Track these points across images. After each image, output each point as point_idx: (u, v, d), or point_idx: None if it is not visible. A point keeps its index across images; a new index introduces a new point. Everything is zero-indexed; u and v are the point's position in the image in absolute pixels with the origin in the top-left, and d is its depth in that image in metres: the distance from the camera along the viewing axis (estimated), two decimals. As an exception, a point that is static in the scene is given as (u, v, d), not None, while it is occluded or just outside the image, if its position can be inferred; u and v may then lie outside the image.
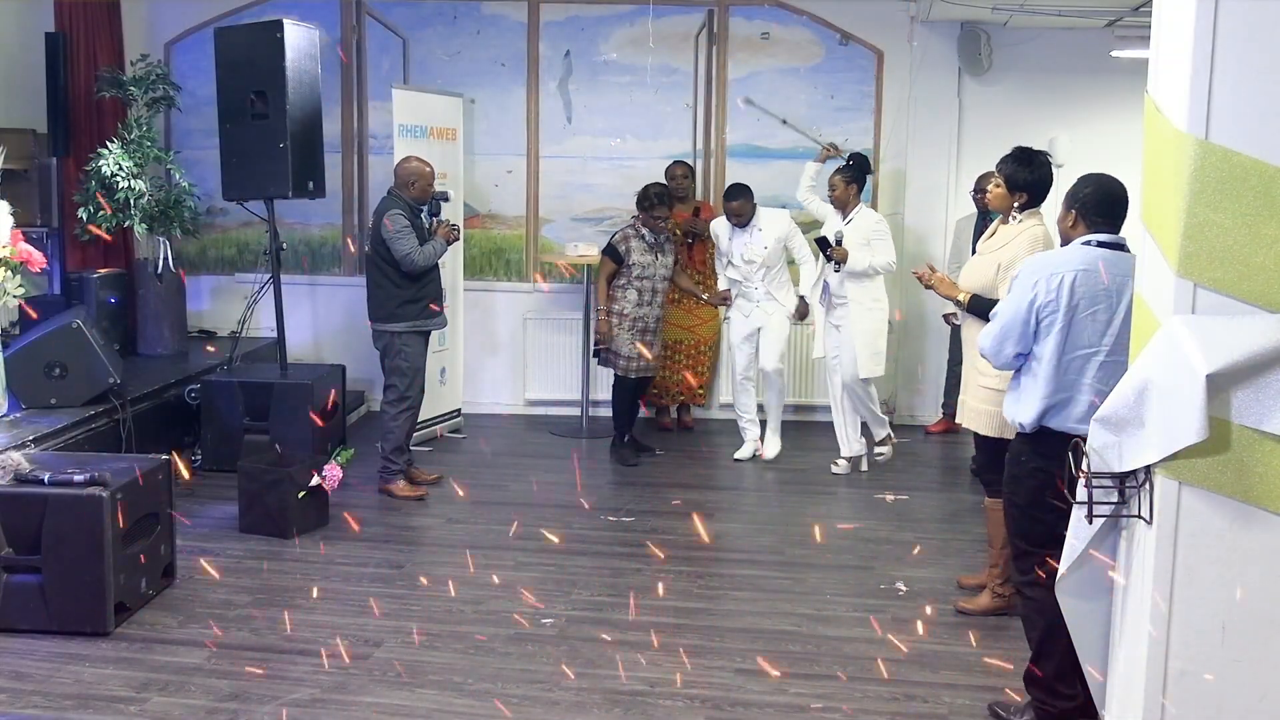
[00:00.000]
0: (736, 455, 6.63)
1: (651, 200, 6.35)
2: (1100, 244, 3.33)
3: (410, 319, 5.72)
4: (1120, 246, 3.34)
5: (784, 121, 7.34)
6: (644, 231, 6.39)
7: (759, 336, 6.53)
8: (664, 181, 6.74)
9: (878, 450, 6.54)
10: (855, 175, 6.29)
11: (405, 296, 5.70)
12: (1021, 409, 3.40)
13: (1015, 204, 4.26)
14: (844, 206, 6.22)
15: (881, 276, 6.21)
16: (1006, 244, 4.25)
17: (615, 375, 6.55)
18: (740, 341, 6.58)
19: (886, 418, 6.60)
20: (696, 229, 6.96)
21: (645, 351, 6.40)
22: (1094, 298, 3.26)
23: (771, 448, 6.63)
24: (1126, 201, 3.39)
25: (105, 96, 6.93)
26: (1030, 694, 3.50)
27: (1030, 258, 3.50)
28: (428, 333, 5.88)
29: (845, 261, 6.03)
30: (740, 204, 6.39)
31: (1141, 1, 5.95)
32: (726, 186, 6.72)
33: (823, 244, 6.10)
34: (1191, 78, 2.42)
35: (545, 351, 7.64)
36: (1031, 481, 3.39)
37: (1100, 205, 3.38)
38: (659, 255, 6.41)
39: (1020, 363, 3.42)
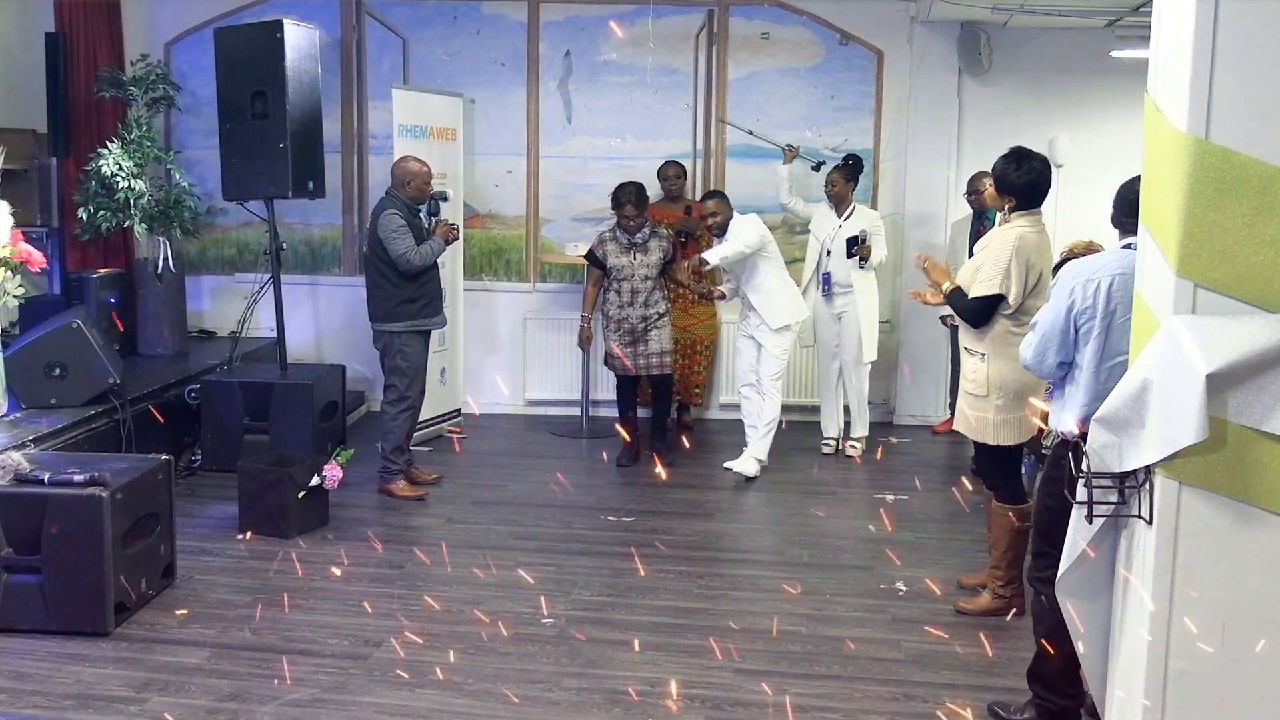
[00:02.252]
0: (732, 466, 6.31)
1: (618, 200, 6.27)
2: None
3: (408, 318, 5.72)
4: None
5: (750, 132, 7.40)
6: (619, 233, 6.30)
7: (757, 347, 6.35)
8: (636, 181, 6.43)
9: (851, 443, 6.79)
10: (853, 173, 6.71)
11: (403, 296, 5.69)
12: (1065, 418, 3.35)
13: (1005, 206, 4.27)
14: (840, 203, 6.61)
15: (878, 266, 6.67)
16: (985, 245, 4.27)
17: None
18: (741, 345, 6.42)
19: (868, 418, 6.85)
20: (688, 228, 6.95)
21: (617, 350, 6.27)
22: (1130, 302, 3.15)
23: (748, 465, 6.24)
24: None
25: (105, 96, 6.93)
26: (1033, 690, 3.51)
27: (1070, 263, 3.43)
28: (427, 332, 5.87)
29: (869, 258, 6.48)
30: (715, 203, 6.19)
31: (1141, 1, 5.95)
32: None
33: (850, 242, 6.50)
34: (1191, 78, 2.41)
35: (545, 351, 7.65)
36: (1067, 487, 3.32)
37: (1123, 206, 3.34)
38: (637, 255, 6.26)
39: (1064, 371, 3.37)
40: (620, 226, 6.28)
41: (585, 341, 6.51)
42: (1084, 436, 3.25)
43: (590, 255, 6.40)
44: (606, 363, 6.51)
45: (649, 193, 7.28)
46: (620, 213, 6.24)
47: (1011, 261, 4.09)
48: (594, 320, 6.64)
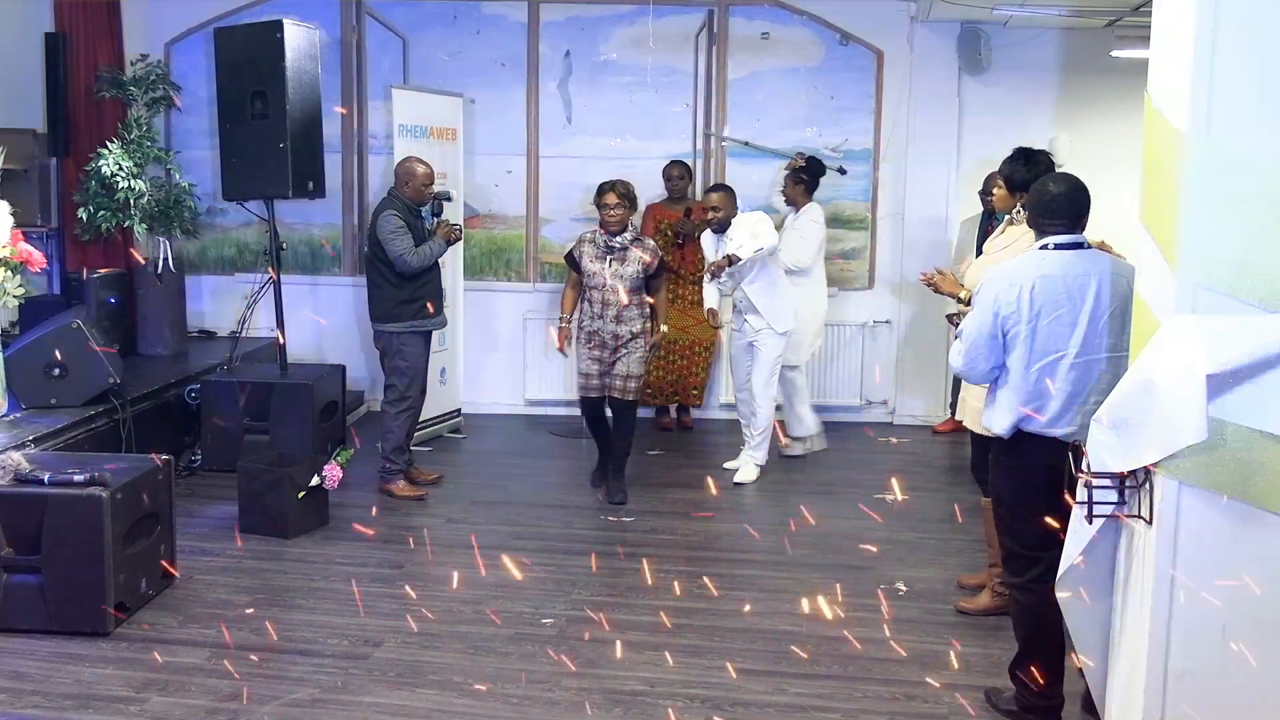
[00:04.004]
0: (732, 469, 6.29)
1: (600, 189, 5.71)
2: (1058, 246, 3.30)
3: (406, 319, 5.71)
4: (1079, 245, 3.31)
5: (746, 143, 7.40)
6: (597, 235, 5.73)
7: (751, 355, 6.19)
8: (624, 180, 5.79)
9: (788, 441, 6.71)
10: (798, 175, 6.66)
11: (401, 297, 5.69)
12: (997, 418, 3.41)
13: (1017, 204, 4.27)
14: (793, 203, 6.64)
15: (797, 270, 6.47)
16: (1010, 245, 4.26)
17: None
18: (737, 353, 6.28)
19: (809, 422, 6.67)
20: (687, 229, 6.94)
21: (583, 366, 5.74)
22: (1055, 302, 3.24)
23: (747, 472, 6.19)
24: (1068, 198, 3.31)
25: (105, 96, 6.93)
26: (1015, 685, 3.56)
27: (990, 270, 3.47)
28: (427, 333, 5.86)
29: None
30: (719, 197, 6.05)
31: (1141, 1, 5.95)
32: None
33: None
34: (1191, 78, 2.42)
35: (545, 351, 7.64)
36: (1011, 482, 3.43)
37: (1039, 207, 3.35)
38: (612, 264, 5.65)
39: (996, 375, 3.40)
40: (601, 225, 5.71)
41: (563, 344, 5.85)
42: (1017, 435, 3.33)
43: (568, 256, 5.88)
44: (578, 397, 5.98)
45: (653, 193, 7.32)
46: (600, 201, 5.66)
47: None
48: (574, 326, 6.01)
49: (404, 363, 5.73)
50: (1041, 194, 3.36)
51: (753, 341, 6.15)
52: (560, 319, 5.88)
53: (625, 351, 5.69)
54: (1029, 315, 3.25)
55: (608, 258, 5.67)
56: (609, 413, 5.86)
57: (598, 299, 5.68)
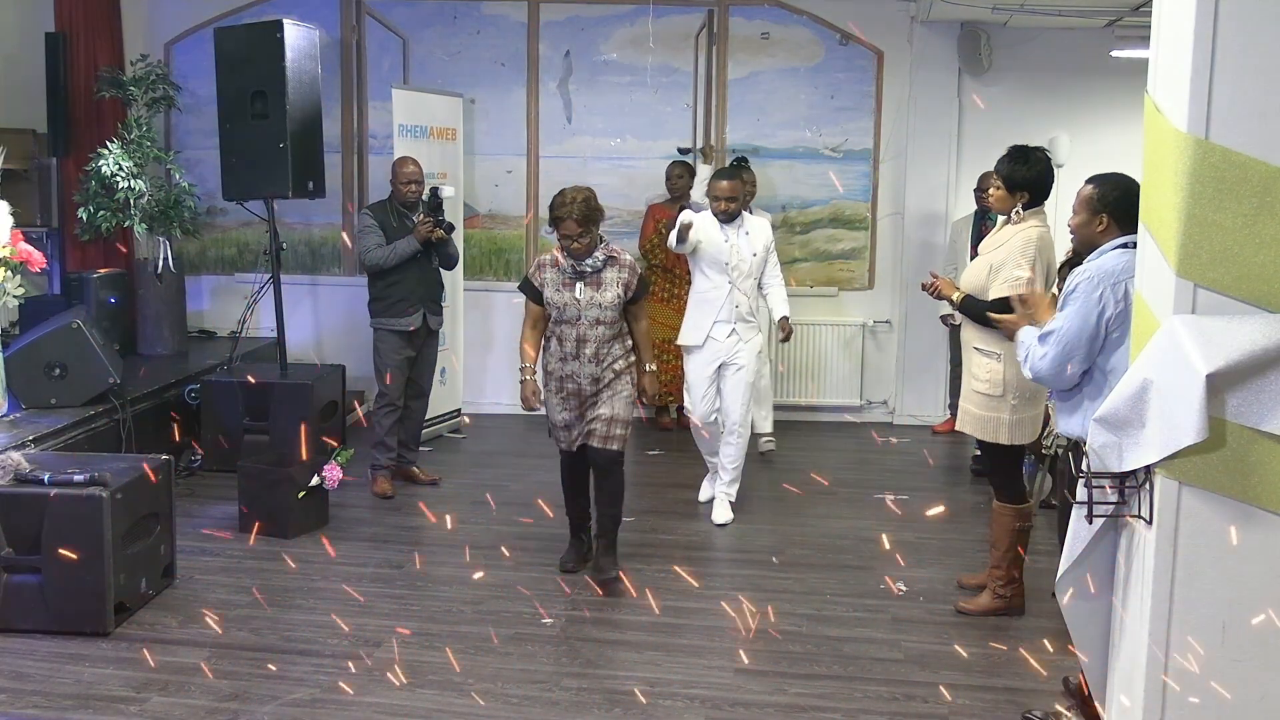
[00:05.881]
0: (703, 498, 5.82)
1: (553, 213, 4.56)
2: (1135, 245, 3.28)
3: (376, 316, 5.82)
4: None
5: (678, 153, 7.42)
6: (562, 258, 4.64)
7: (721, 375, 5.45)
8: (585, 187, 4.65)
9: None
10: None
11: (372, 294, 5.83)
12: (1077, 421, 3.29)
13: (1018, 203, 4.26)
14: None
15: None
16: (1004, 244, 4.25)
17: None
18: (699, 380, 5.45)
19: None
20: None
21: (558, 416, 4.75)
22: None
23: (722, 513, 5.52)
24: None
25: (105, 96, 6.93)
26: (1072, 694, 3.50)
27: (1084, 269, 3.32)
28: (403, 332, 5.81)
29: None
30: (731, 185, 5.33)
31: (1141, 1, 5.95)
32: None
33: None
34: (1191, 78, 2.42)
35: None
36: (1068, 487, 3.33)
37: (1134, 207, 3.25)
38: (585, 291, 4.60)
39: (1076, 380, 3.30)
40: (565, 250, 4.62)
41: (531, 398, 4.74)
42: None
43: (525, 283, 4.74)
44: (550, 433, 4.91)
45: (652, 194, 7.32)
46: (559, 231, 4.53)
47: (1036, 261, 4.11)
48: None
49: (378, 359, 5.83)
50: (1121, 196, 3.29)
51: (726, 362, 5.43)
52: (523, 369, 4.73)
53: (610, 393, 4.66)
54: None
55: (577, 284, 4.61)
56: (591, 471, 4.81)
57: (569, 335, 4.63)
